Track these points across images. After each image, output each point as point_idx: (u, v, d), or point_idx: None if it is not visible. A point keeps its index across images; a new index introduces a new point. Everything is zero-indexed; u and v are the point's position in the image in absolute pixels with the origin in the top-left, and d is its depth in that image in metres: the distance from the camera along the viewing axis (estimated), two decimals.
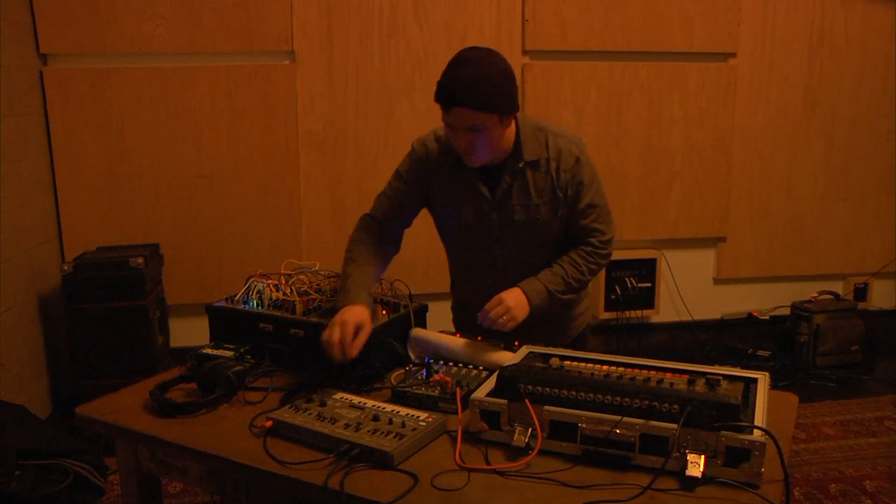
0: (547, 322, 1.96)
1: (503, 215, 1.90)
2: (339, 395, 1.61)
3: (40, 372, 3.32)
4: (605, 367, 1.58)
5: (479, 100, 1.67)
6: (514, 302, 1.81)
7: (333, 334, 1.62)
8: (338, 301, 1.77)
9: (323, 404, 1.55)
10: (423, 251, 3.74)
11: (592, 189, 1.92)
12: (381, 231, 1.96)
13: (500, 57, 1.76)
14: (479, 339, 1.85)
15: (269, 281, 1.98)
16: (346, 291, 1.77)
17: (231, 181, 3.67)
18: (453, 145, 1.80)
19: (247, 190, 3.69)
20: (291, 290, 1.95)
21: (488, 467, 1.36)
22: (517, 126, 1.84)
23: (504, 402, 1.43)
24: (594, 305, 4.13)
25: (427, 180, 1.94)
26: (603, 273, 4.03)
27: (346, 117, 3.71)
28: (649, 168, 4.02)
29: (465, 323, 2.02)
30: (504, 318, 1.78)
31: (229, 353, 1.83)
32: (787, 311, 4.13)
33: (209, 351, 1.85)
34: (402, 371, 1.78)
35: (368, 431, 1.43)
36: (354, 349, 1.64)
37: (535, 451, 1.37)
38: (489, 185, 1.88)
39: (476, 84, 1.67)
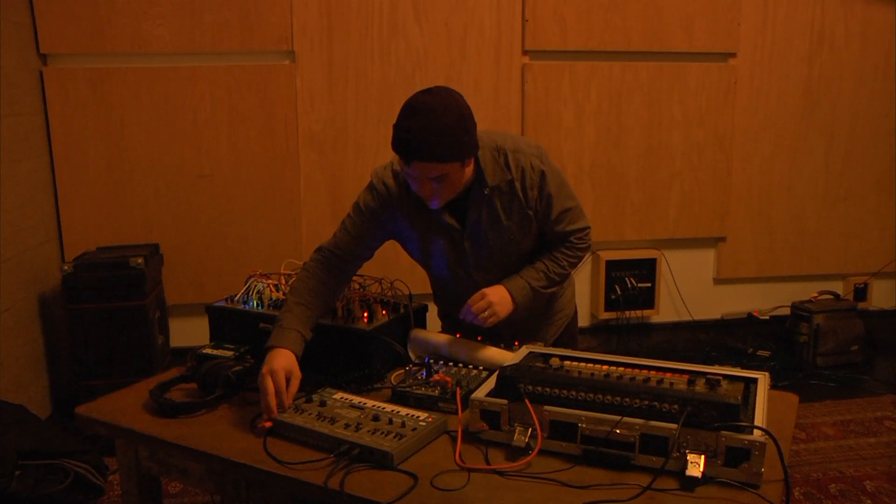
0: (531, 317, 1.96)
1: (476, 243, 1.87)
2: (339, 395, 1.61)
3: (40, 372, 3.32)
4: (605, 367, 1.58)
5: (439, 153, 1.60)
6: (497, 298, 1.80)
7: (268, 385, 1.55)
8: (271, 335, 1.69)
9: (323, 404, 1.55)
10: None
11: (562, 195, 1.86)
12: (337, 265, 1.85)
13: (455, 98, 1.65)
14: (479, 338, 1.85)
15: (269, 281, 1.98)
16: (280, 328, 1.69)
17: (231, 181, 3.67)
18: (415, 190, 1.74)
19: (247, 190, 3.69)
20: None
21: (488, 467, 1.36)
22: (477, 153, 1.76)
23: (504, 402, 1.43)
24: (594, 305, 4.13)
25: (390, 218, 1.87)
26: (603, 273, 4.03)
27: (346, 117, 3.71)
28: (649, 168, 4.02)
29: (453, 330, 2.02)
30: (486, 313, 1.77)
31: (229, 353, 1.83)
32: (787, 311, 4.12)
33: (209, 351, 1.85)
34: (402, 371, 1.78)
35: (368, 431, 1.43)
36: (288, 399, 1.57)
37: (535, 451, 1.37)
38: (456, 215, 1.83)
39: (434, 137, 1.58)
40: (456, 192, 1.74)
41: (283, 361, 1.60)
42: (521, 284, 1.85)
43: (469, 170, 1.75)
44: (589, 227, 1.95)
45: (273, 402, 1.54)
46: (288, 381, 1.59)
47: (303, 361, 1.80)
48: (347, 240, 1.86)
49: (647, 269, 4.09)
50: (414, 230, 1.88)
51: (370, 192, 1.87)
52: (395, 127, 1.63)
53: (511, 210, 1.83)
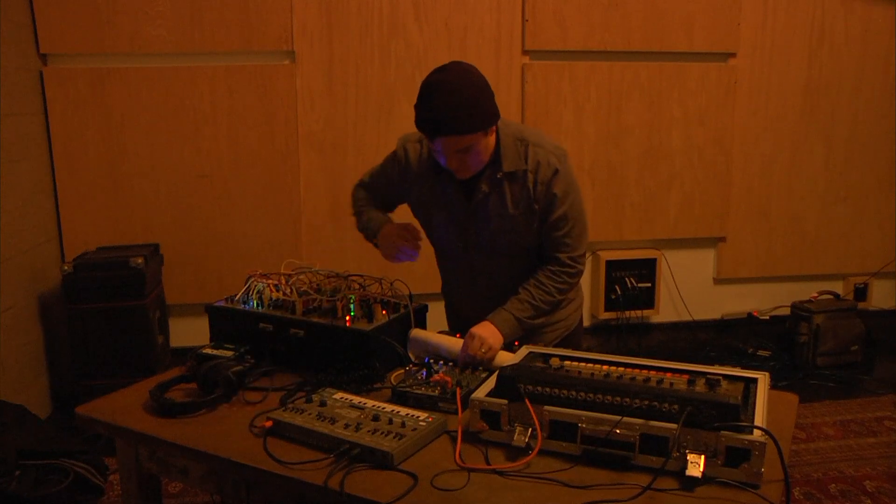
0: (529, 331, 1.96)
1: (478, 223, 1.90)
2: (339, 395, 1.61)
3: (40, 372, 3.32)
4: (605, 367, 1.58)
5: (463, 125, 1.68)
6: (486, 333, 1.81)
7: (389, 229, 1.97)
8: (370, 231, 2.05)
9: (323, 404, 1.55)
10: (422, 251, 3.74)
11: (567, 201, 1.87)
12: (375, 203, 2.13)
13: (470, 70, 1.73)
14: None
15: (269, 281, 1.98)
16: (374, 221, 2.04)
17: (231, 181, 3.67)
18: (443, 164, 1.81)
19: (247, 190, 3.69)
20: (291, 290, 1.95)
21: (488, 467, 1.36)
22: (498, 135, 1.83)
23: (504, 402, 1.43)
24: (594, 306, 4.13)
25: (402, 181, 2.00)
26: (603, 273, 4.03)
27: (346, 117, 3.71)
28: (649, 168, 4.02)
29: (457, 326, 2.04)
30: (482, 350, 1.78)
31: (229, 353, 1.83)
32: (787, 311, 4.13)
33: (209, 351, 1.85)
34: (402, 371, 1.78)
35: (368, 431, 1.43)
36: (417, 236, 1.95)
37: (535, 451, 1.37)
38: (467, 192, 1.89)
39: (456, 111, 1.66)
40: (483, 163, 1.82)
41: (393, 225, 1.98)
42: (505, 317, 1.87)
43: (492, 139, 1.81)
44: (583, 254, 1.94)
45: (412, 233, 1.93)
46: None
47: (302, 362, 1.81)
48: (373, 185, 2.14)
49: (647, 269, 4.09)
50: (423, 197, 1.98)
51: (392, 156, 2.04)
52: (416, 107, 1.72)
53: (519, 200, 1.86)
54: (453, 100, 1.66)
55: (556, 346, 2.09)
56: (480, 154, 1.78)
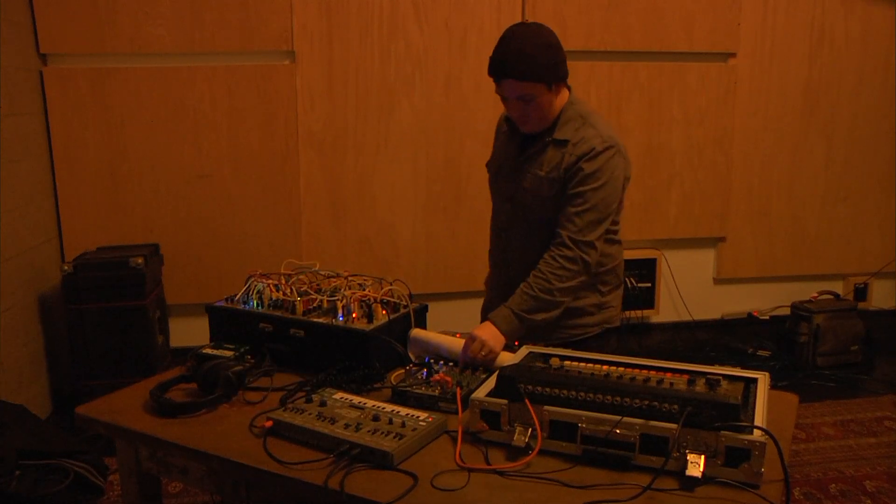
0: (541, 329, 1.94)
1: (516, 178, 1.99)
2: (339, 395, 1.61)
3: (40, 372, 3.32)
4: (605, 367, 1.58)
5: (526, 71, 1.79)
6: (486, 335, 1.80)
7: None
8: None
9: (323, 404, 1.55)
10: (422, 251, 3.75)
11: (593, 183, 1.85)
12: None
13: (547, 30, 1.85)
14: None
15: (269, 281, 1.98)
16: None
17: (231, 181, 3.67)
18: (509, 114, 1.95)
19: (247, 190, 3.69)
20: (291, 290, 1.95)
21: (488, 467, 1.36)
22: (565, 106, 1.93)
23: (504, 402, 1.43)
24: None
25: (496, 139, 2.17)
26: None
27: (346, 117, 3.71)
28: (649, 168, 4.02)
29: (489, 303, 2.16)
30: (482, 352, 1.77)
31: (229, 353, 1.83)
32: (787, 311, 4.12)
33: (209, 351, 1.85)
34: (402, 371, 1.78)
35: (368, 431, 1.43)
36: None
37: (535, 451, 1.37)
38: (522, 149, 2.00)
39: (522, 57, 1.78)
40: (545, 122, 1.91)
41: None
42: (504, 314, 1.86)
43: (559, 102, 1.91)
44: (588, 241, 1.86)
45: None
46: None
47: (302, 362, 1.82)
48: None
49: (647, 269, 4.09)
50: (494, 148, 2.14)
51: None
52: (491, 55, 1.83)
53: (553, 166, 1.91)
54: (519, 47, 1.79)
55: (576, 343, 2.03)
56: (543, 109, 1.86)
